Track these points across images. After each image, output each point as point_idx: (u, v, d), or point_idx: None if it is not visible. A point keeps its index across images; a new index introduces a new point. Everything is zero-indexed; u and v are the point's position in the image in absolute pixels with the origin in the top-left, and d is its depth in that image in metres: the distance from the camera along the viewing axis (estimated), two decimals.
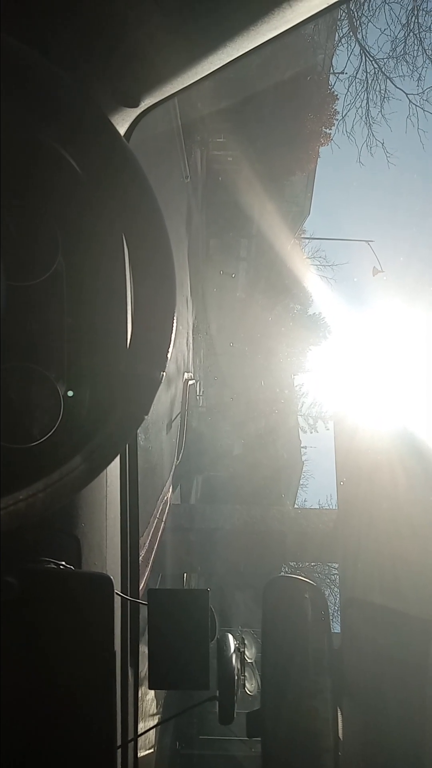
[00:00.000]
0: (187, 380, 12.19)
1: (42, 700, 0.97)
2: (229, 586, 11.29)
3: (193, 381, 13.55)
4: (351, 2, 11.60)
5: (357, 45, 12.75)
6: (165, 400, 9.72)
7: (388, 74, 13.03)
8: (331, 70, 13.67)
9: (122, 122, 1.15)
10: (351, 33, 12.61)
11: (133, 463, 1.43)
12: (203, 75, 1.07)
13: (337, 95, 13.58)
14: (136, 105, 1.10)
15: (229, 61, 1.03)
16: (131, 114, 1.15)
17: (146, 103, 1.12)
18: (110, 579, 1.00)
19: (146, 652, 1.28)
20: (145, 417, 0.89)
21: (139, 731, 1.49)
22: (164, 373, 0.87)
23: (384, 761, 1.39)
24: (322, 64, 13.35)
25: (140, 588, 1.50)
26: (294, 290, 17.27)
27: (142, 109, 1.14)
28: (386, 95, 13.25)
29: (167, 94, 1.11)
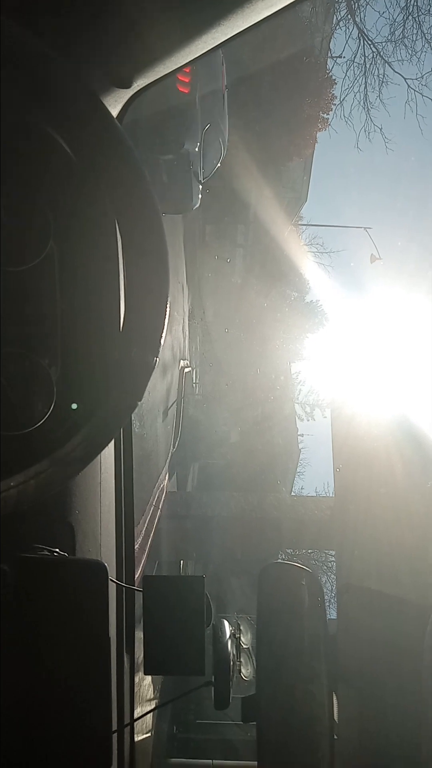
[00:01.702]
0: (183, 368, 12.18)
1: (37, 686, 0.97)
2: (226, 573, 11.36)
3: (190, 368, 13.53)
4: None
5: (355, 28, 12.62)
6: (161, 388, 9.72)
7: (386, 58, 12.93)
8: (329, 54, 13.54)
9: (115, 103, 1.13)
10: (349, 16, 12.47)
11: (128, 450, 1.42)
12: (198, 55, 1.05)
13: (335, 80, 13.47)
14: (129, 86, 1.08)
15: (224, 40, 1.01)
16: (124, 95, 1.13)
17: (139, 83, 1.10)
18: (104, 566, 1.00)
19: (143, 638, 1.28)
20: (139, 403, 0.88)
21: (136, 716, 1.50)
22: (158, 359, 0.86)
23: (379, 745, 1.40)
24: (319, 47, 13.22)
25: (137, 575, 1.50)
26: (291, 277, 17.22)
27: (135, 90, 1.12)
28: (385, 80, 13.16)
29: (160, 75, 1.09)
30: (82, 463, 0.88)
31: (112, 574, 1.12)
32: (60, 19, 0.94)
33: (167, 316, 0.86)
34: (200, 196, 7.40)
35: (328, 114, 13.67)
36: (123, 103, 1.15)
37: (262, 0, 0.92)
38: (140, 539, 6.10)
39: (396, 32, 12.47)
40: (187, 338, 13.69)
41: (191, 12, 0.96)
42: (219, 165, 8.07)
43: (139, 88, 1.12)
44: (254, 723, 1.31)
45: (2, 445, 0.90)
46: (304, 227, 19.90)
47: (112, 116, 0.87)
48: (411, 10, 11.98)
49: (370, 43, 12.81)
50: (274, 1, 0.93)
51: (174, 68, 1.08)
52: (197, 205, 7.53)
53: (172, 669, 1.30)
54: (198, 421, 13.69)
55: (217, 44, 1.03)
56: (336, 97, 13.48)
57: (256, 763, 1.30)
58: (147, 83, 1.11)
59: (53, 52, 0.81)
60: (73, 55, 0.99)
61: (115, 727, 1.29)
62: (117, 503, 1.39)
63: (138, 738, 1.60)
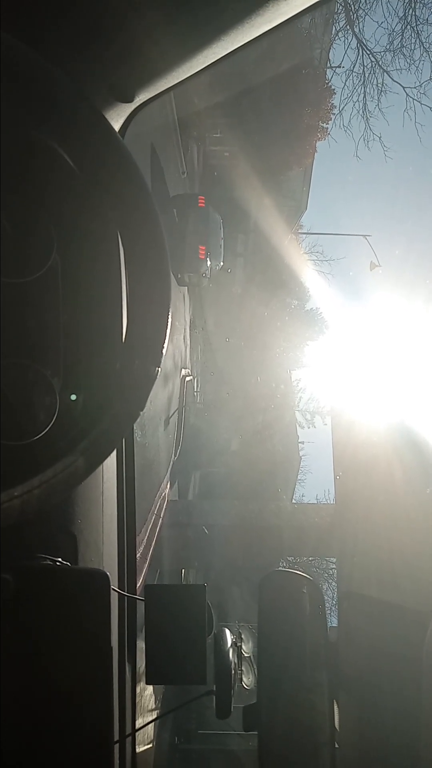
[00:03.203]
0: (184, 376, 12.19)
1: (39, 696, 0.97)
2: (227, 581, 11.31)
3: (191, 377, 13.54)
4: None
5: (354, 38, 12.72)
6: (162, 397, 9.72)
7: (385, 67, 13.01)
8: (328, 64, 13.64)
9: (117, 117, 1.15)
10: (348, 26, 12.57)
11: (129, 460, 1.43)
12: (199, 69, 1.06)
13: (334, 89, 13.56)
14: (130, 100, 1.10)
15: (224, 54, 1.03)
16: (126, 109, 1.14)
17: (141, 98, 1.11)
18: (106, 575, 1.00)
19: (144, 647, 1.28)
20: (141, 413, 0.89)
21: (138, 726, 1.50)
22: (159, 369, 0.87)
23: (380, 752, 1.40)
24: (318, 57, 13.32)
25: (138, 584, 1.50)
26: (291, 285, 17.26)
27: (137, 104, 1.14)
28: (383, 89, 13.24)
29: (162, 89, 1.11)
30: (84, 473, 0.88)
31: (113, 583, 1.12)
32: (61, 33, 0.96)
33: (169, 327, 0.87)
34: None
35: (327, 123, 13.76)
36: (125, 118, 1.17)
37: (261, 15, 0.94)
38: (142, 548, 6.08)
39: (394, 42, 12.59)
40: (188, 347, 13.72)
41: (192, 27, 0.97)
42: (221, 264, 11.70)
43: (140, 102, 1.14)
44: (255, 732, 1.30)
45: (5, 455, 0.90)
46: (304, 236, 19.99)
47: (114, 130, 0.88)
48: (409, 19, 12.09)
49: (368, 52, 12.91)
50: (273, 17, 0.95)
51: (175, 82, 1.10)
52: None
53: (174, 678, 1.30)
54: (199, 430, 13.69)
55: (217, 58, 1.05)
56: (335, 107, 13.58)
57: None
58: (149, 97, 1.13)
59: (55, 66, 0.83)
60: (74, 69, 1.00)
61: (116, 737, 1.29)
62: (119, 512, 1.39)
63: (139, 749, 1.59)
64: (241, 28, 0.95)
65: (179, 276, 11.19)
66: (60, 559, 1.10)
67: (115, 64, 1.03)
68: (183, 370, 12.29)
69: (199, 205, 10.28)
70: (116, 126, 1.16)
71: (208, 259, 10.82)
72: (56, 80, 0.83)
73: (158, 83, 1.08)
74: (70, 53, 0.97)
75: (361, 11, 12.47)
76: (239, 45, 1.01)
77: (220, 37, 0.97)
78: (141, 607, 1.29)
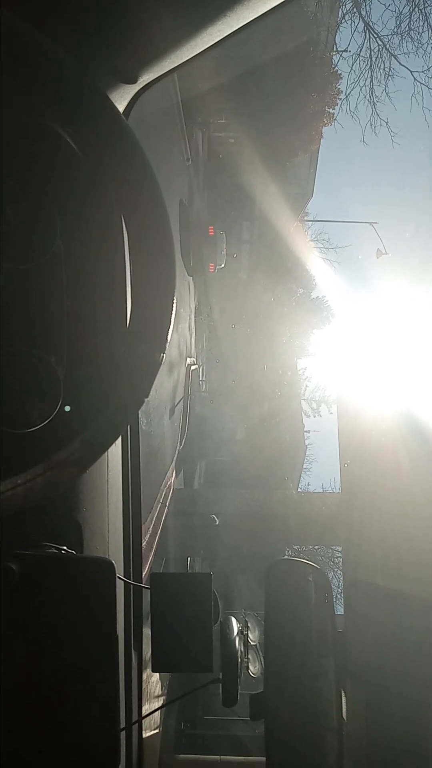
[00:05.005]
0: (189, 365, 12.19)
1: (46, 684, 0.97)
2: (233, 570, 11.37)
3: (196, 366, 13.55)
4: None
5: (361, 21, 12.50)
6: (168, 385, 9.72)
7: (392, 51, 12.78)
8: (335, 48, 13.45)
9: (121, 99, 1.13)
10: (354, 9, 12.36)
11: (135, 448, 1.42)
12: (203, 48, 1.04)
13: (340, 74, 13.38)
14: (134, 81, 1.08)
15: (229, 33, 1.01)
16: (130, 91, 1.12)
17: (145, 79, 1.09)
18: (111, 563, 1.00)
19: (150, 635, 1.29)
20: (146, 399, 0.88)
21: (144, 713, 1.51)
22: (164, 355, 0.86)
23: (387, 740, 1.40)
24: (325, 41, 13.13)
25: (144, 573, 1.50)
26: (297, 273, 17.19)
27: (141, 86, 1.12)
28: (391, 73, 13.01)
29: (166, 70, 1.09)
30: (89, 461, 0.88)
31: (119, 571, 1.12)
32: (65, 16, 0.94)
33: (174, 314, 0.86)
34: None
35: (333, 109, 13.61)
36: (129, 99, 1.15)
37: None
38: (147, 536, 6.11)
39: (402, 25, 12.36)
40: (193, 335, 13.71)
41: (195, 6, 0.95)
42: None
43: (144, 84, 1.12)
44: (262, 720, 1.31)
45: (9, 443, 0.90)
46: (310, 223, 19.87)
47: (119, 112, 0.86)
48: (417, 2, 11.86)
49: (375, 36, 12.69)
50: None
51: (179, 63, 1.08)
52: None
53: (180, 666, 1.30)
54: (205, 418, 13.72)
55: (221, 38, 1.02)
56: (342, 92, 13.39)
57: (264, 758, 1.30)
58: (152, 78, 1.11)
59: (60, 49, 0.81)
60: (78, 51, 0.98)
61: (123, 724, 1.29)
62: (124, 501, 1.39)
63: (146, 735, 1.60)
64: (244, 5, 0.93)
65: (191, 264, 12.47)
66: (65, 548, 1.10)
67: (118, 45, 1.01)
68: (188, 359, 12.29)
69: (210, 234, 12.68)
70: (120, 108, 1.14)
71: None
72: (60, 62, 0.81)
73: (162, 64, 1.06)
74: (73, 35, 0.96)
75: None
76: (244, 23, 0.99)
77: (223, 15, 0.95)
78: (147, 596, 1.29)
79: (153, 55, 1.04)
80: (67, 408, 0.95)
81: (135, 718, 1.44)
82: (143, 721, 1.51)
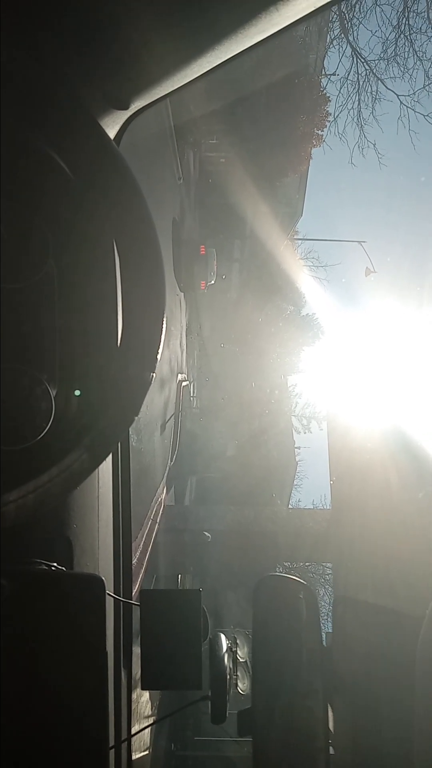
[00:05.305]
0: (180, 381, 12.19)
1: (34, 701, 0.97)
2: (223, 586, 11.29)
3: (187, 382, 13.54)
4: (342, 4, 11.59)
5: (348, 46, 12.75)
6: (159, 402, 9.71)
7: (379, 76, 13.02)
8: (323, 72, 13.69)
9: (112, 125, 1.15)
10: (342, 35, 12.61)
11: (125, 465, 1.43)
12: (194, 77, 1.07)
13: (328, 97, 13.60)
14: (126, 107, 1.11)
15: (219, 63, 1.04)
16: (122, 116, 1.15)
17: (137, 105, 1.12)
18: (101, 579, 1.00)
19: (140, 653, 1.28)
20: (136, 418, 0.89)
21: (133, 732, 1.49)
22: (154, 374, 0.87)
23: (375, 758, 1.39)
24: (313, 65, 13.38)
25: (134, 589, 1.50)
26: (287, 291, 17.29)
27: (133, 112, 1.15)
28: (378, 97, 13.24)
29: (158, 96, 1.12)
30: (80, 478, 0.89)
31: (109, 588, 1.12)
32: (58, 41, 0.96)
33: (164, 333, 0.88)
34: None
35: (322, 131, 13.81)
36: (120, 125, 1.17)
37: (255, 25, 0.94)
38: (138, 553, 6.06)
39: (388, 50, 12.59)
40: (184, 352, 13.72)
41: (187, 35, 0.98)
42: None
43: (136, 110, 1.14)
44: (250, 738, 1.30)
45: (2, 460, 0.91)
46: (300, 242, 20.06)
47: (109, 137, 0.89)
48: (402, 28, 12.11)
49: (363, 60, 12.93)
50: (267, 27, 0.96)
51: (171, 90, 1.11)
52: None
53: (170, 684, 1.30)
54: (195, 435, 13.68)
55: (212, 67, 1.05)
56: (330, 114, 13.60)
57: None
58: (144, 105, 1.14)
59: (52, 73, 0.84)
60: (70, 76, 1.01)
61: (112, 743, 1.28)
62: (115, 517, 1.39)
63: (135, 755, 1.58)
64: (236, 37, 0.96)
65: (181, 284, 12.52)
66: (55, 564, 1.10)
67: (111, 71, 1.04)
68: (179, 375, 12.29)
69: (201, 253, 12.81)
70: (112, 133, 1.17)
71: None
72: (52, 87, 0.84)
73: (154, 91, 1.09)
74: (66, 60, 0.98)
75: (355, 20, 12.52)
76: (234, 54, 1.02)
77: (215, 45, 0.98)
78: (137, 613, 1.29)
79: (145, 82, 1.06)
80: (77, 392, 0.96)
81: (124, 736, 1.43)
82: (133, 741, 1.50)
